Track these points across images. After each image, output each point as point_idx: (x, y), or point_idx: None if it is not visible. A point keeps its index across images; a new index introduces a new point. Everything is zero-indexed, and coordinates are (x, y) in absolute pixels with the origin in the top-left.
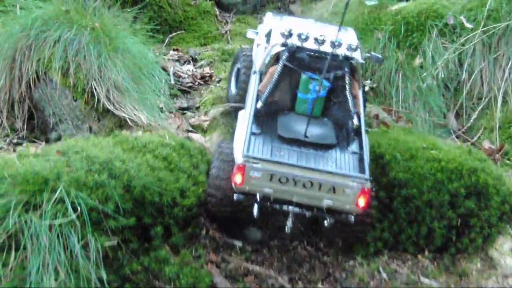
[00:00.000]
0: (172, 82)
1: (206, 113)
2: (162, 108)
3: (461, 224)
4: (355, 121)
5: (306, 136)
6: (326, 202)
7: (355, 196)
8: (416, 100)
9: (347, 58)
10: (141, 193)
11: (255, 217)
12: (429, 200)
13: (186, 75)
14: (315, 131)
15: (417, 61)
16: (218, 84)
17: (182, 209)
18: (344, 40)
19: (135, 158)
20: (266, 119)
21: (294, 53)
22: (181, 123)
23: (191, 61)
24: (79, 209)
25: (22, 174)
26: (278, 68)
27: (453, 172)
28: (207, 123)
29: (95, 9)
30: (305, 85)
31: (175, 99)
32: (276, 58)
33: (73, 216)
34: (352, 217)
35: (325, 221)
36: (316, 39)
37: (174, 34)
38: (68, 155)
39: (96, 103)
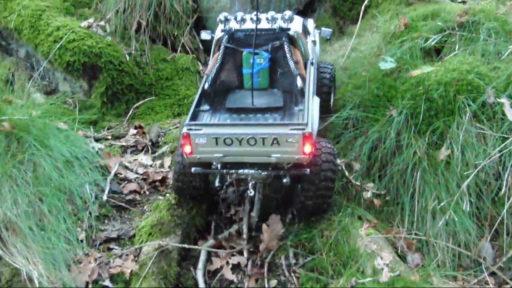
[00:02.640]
0: (105, 198)
1: (137, 253)
2: (82, 240)
3: None
4: (299, 83)
5: (253, 105)
6: (275, 156)
7: (299, 144)
8: (437, 217)
9: (283, 29)
10: None
11: (217, 187)
12: None
13: (133, 177)
14: (263, 100)
15: (442, 153)
16: (168, 195)
17: None
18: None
19: None
20: (217, 99)
21: (232, 35)
22: (93, 272)
23: (149, 147)
24: None
25: None
26: (220, 50)
27: None
28: (134, 268)
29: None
30: (247, 60)
31: (106, 221)
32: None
33: None
34: (308, 170)
35: (284, 180)
36: (252, 19)
37: (141, 102)
38: None
39: None
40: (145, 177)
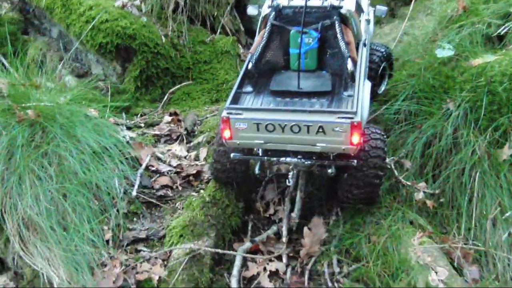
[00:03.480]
0: (134, 194)
1: (166, 257)
2: (108, 241)
3: None
4: (349, 65)
5: (299, 88)
6: (320, 145)
7: (347, 134)
8: (497, 225)
9: (334, 7)
10: None
11: (257, 174)
12: None
13: (166, 170)
14: (310, 83)
15: (505, 153)
16: (203, 191)
17: None
18: None
19: None
20: (261, 80)
21: (280, 12)
22: (118, 278)
23: (184, 137)
24: None
25: None
26: (267, 28)
27: None
28: (162, 275)
29: None
30: (294, 39)
31: (135, 219)
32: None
33: None
34: (355, 160)
35: (329, 170)
36: None
37: (177, 87)
38: None
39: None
40: (178, 170)
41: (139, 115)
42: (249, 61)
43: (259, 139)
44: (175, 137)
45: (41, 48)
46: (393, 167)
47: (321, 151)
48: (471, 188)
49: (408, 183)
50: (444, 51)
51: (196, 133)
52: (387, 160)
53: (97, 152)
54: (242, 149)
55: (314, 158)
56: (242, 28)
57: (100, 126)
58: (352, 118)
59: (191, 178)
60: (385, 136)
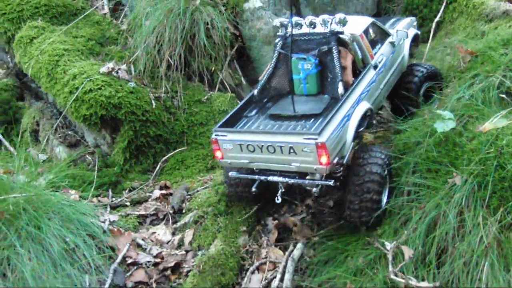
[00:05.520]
0: None
1: None
2: None
3: None
4: (340, 89)
5: (295, 112)
6: (295, 165)
7: (315, 154)
8: None
9: (333, 33)
10: None
11: (254, 192)
12: None
13: (145, 261)
14: (306, 106)
15: None
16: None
17: None
18: (348, 20)
19: None
20: (269, 104)
21: (286, 40)
22: None
23: (170, 217)
24: None
25: None
26: (273, 56)
27: None
28: None
29: None
30: (295, 66)
31: None
32: None
33: None
34: (332, 181)
35: (313, 189)
36: (309, 23)
37: (170, 154)
38: None
39: None
40: (158, 260)
41: (127, 190)
42: (256, 87)
43: (244, 159)
44: (161, 216)
45: (34, 116)
46: (390, 258)
47: (297, 171)
48: (479, 279)
49: (411, 281)
50: (445, 124)
51: (184, 211)
52: (388, 246)
53: (68, 249)
54: (239, 168)
55: (296, 177)
56: (244, 82)
57: (78, 213)
58: (316, 139)
59: (168, 272)
60: (386, 160)
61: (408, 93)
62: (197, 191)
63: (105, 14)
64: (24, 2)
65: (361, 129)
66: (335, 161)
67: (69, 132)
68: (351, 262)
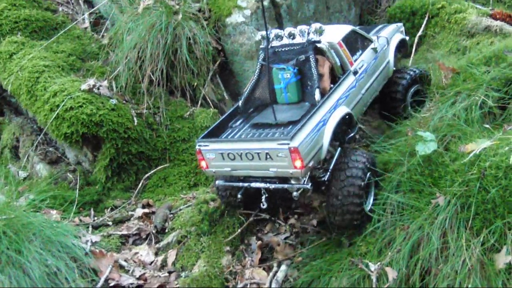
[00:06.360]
0: None
1: None
2: None
3: None
4: (316, 96)
5: (275, 119)
6: (272, 170)
7: (289, 159)
8: None
9: (310, 43)
10: None
11: (239, 199)
12: None
13: (127, 284)
14: (287, 114)
15: (501, 260)
16: None
17: None
18: (327, 29)
19: None
20: (254, 114)
21: (268, 52)
22: None
23: (153, 236)
24: None
25: None
26: (256, 68)
27: None
28: None
29: None
30: (276, 76)
31: None
32: None
33: None
34: (309, 184)
35: (294, 193)
36: (288, 35)
37: (152, 171)
38: None
39: None
40: (141, 282)
41: (109, 209)
42: (239, 99)
43: (227, 167)
44: (144, 236)
45: (14, 132)
46: (374, 280)
47: (275, 176)
48: None
49: None
50: (426, 146)
51: (167, 230)
52: (373, 267)
53: (49, 273)
54: (224, 177)
55: (276, 182)
56: (227, 97)
57: (58, 235)
58: (288, 144)
59: None
60: (367, 163)
61: (395, 100)
62: (180, 209)
63: (86, 28)
64: (3, 16)
65: (351, 135)
66: (310, 164)
67: (50, 149)
68: (335, 283)
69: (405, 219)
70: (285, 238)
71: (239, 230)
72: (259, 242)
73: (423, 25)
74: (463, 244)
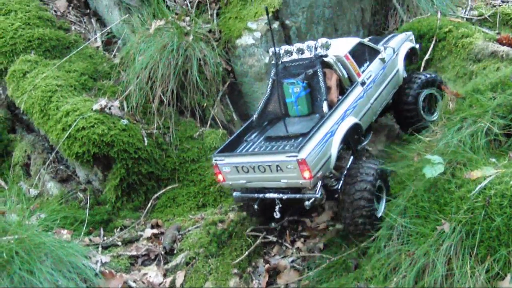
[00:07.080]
0: None
1: None
2: None
3: None
4: (324, 108)
5: (287, 132)
6: (284, 181)
7: (298, 170)
8: None
9: (317, 57)
10: None
11: (256, 210)
12: None
13: None
14: (298, 127)
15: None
16: None
17: None
18: (335, 42)
19: None
20: (268, 127)
21: (278, 67)
22: None
23: (162, 258)
24: None
25: None
26: (269, 83)
27: None
28: None
29: None
30: (287, 90)
31: None
32: None
33: None
34: (318, 194)
35: (306, 203)
36: (297, 50)
37: (161, 192)
38: None
39: None
40: None
41: (118, 229)
42: (254, 113)
43: (242, 180)
44: (153, 257)
45: (25, 149)
46: None
47: (286, 186)
48: None
49: None
50: (433, 169)
51: (175, 251)
52: None
53: None
54: (241, 188)
55: (289, 192)
56: (236, 117)
57: (69, 255)
58: (296, 156)
59: None
60: (376, 174)
61: (407, 104)
62: (189, 230)
63: (98, 47)
64: (17, 35)
65: (363, 143)
66: (319, 174)
67: (61, 167)
68: None
69: (411, 245)
70: (292, 262)
71: (246, 252)
72: (267, 265)
73: (430, 49)
74: (468, 271)
